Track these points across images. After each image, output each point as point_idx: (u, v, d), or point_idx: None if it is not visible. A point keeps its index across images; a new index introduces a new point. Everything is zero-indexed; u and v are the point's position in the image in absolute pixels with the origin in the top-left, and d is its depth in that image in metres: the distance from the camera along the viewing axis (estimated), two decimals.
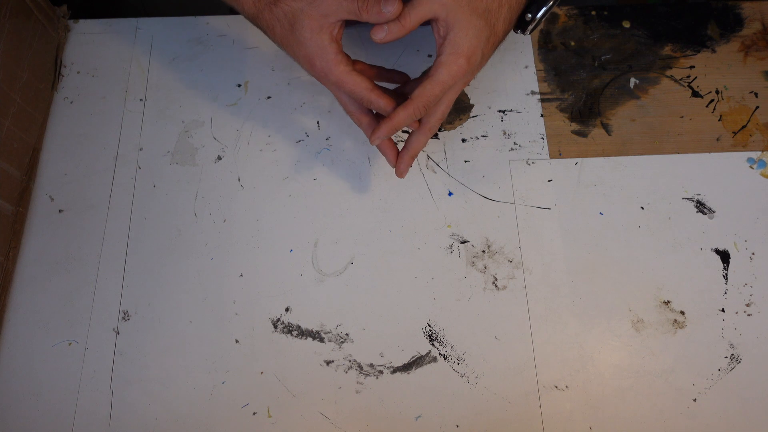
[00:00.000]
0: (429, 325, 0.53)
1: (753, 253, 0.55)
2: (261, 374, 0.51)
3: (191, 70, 0.62)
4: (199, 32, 0.64)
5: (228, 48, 0.63)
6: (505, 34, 0.47)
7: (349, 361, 0.51)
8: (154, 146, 0.59)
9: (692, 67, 0.63)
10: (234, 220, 0.56)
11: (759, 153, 0.59)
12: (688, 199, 0.57)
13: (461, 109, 0.61)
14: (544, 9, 0.47)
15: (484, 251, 0.55)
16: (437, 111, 0.47)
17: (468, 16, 0.42)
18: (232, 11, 0.50)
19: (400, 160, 0.51)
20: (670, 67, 0.63)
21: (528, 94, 0.61)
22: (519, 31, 0.49)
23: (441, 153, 0.59)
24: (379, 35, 0.43)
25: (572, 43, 0.64)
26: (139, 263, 0.54)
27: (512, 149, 0.59)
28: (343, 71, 0.44)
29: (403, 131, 0.60)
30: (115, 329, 0.52)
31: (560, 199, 0.57)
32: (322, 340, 0.52)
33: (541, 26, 0.52)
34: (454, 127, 0.60)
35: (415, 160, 0.58)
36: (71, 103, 0.61)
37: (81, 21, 0.64)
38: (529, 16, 0.48)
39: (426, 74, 0.45)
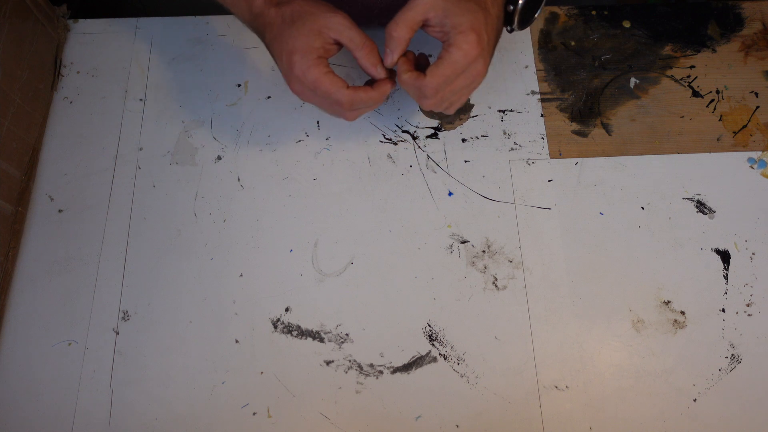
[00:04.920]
0: (429, 325, 0.53)
1: (753, 253, 0.55)
2: (261, 374, 0.51)
3: (191, 70, 0.62)
4: (198, 32, 0.64)
5: (228, 48, 0.63)
6: (499, 16, 0.47)
7: (349, 361, 0.51)
8: (154, 146, 0.59)
9: (692, 66, 0.63)
10: (234, 220, 0.56)
11: (759, 153, 0.59)
12: (688, 199, 0.57)
13: (461, 109, 0.61)
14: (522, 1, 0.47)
15: (484, 251, 0.55)
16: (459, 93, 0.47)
17: (457, 2, 0.43)
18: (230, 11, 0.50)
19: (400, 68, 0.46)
20: (671, 67, 0.63)
21: (528, 94, 0.61)
22: (507, 27, 0.49)
23: (441, 153, 0.59)
24: (387, 62, 0.46)
25: (572, 43, 0.64)
26: (139, 263, 0.54)
27: (512, 149, 0.59)
28: (321, 72, 0.45)
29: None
30: (115, 329, 0.52)
31: (560, 199, 0.57)
32: (322, 340, 0.52)
33: (532, 23, 0.51)
34: (454, 127, 0.60)
35: (415, 159, 0.58)
36: (71, 103, 0.60)
37: (81, 21, 0.64)
38: (511, 7, 0.47)
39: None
